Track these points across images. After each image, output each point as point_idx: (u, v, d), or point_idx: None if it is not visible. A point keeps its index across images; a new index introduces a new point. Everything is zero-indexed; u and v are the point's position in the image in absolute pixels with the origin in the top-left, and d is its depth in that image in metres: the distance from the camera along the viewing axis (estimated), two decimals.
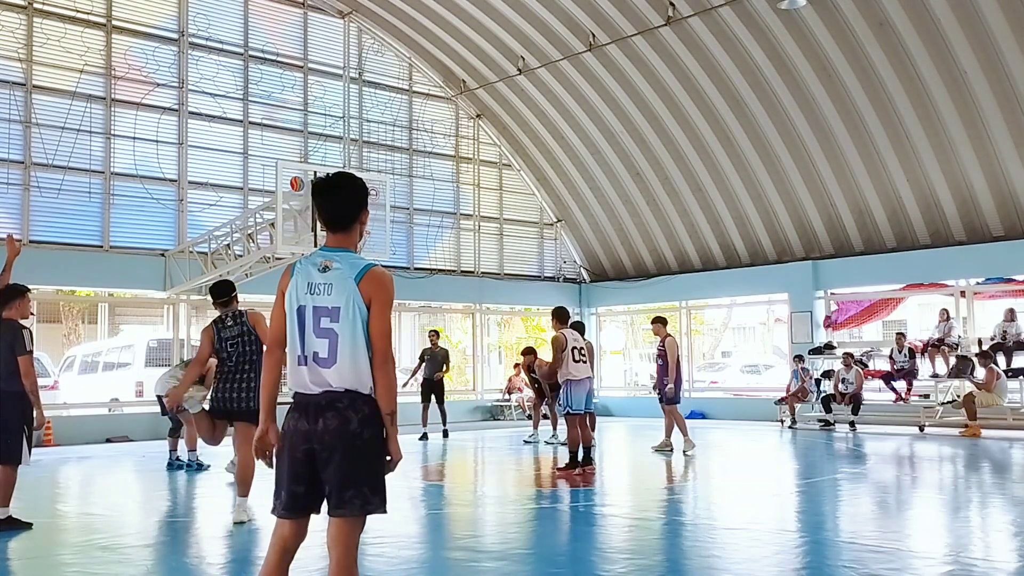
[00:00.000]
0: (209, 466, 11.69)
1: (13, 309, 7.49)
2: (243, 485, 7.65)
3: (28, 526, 7.34)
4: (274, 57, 19.38)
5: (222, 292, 8.03)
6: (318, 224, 15.11)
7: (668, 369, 13.03)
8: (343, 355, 3.71)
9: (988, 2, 14.68)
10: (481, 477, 12.22)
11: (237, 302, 8.09)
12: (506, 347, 25.83)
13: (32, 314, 7.73)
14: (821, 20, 16.21)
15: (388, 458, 3.84)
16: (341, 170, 4.83)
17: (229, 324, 7.87)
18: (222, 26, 18.73)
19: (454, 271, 21.88)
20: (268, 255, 15.90)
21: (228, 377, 7.75)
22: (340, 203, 3.91)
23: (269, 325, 4.10)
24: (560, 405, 11.55)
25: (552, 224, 23.71)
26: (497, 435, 17.59)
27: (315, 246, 15.34)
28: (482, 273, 22.33)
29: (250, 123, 18.91)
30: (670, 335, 13.35)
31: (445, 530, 8.06)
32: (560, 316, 11.51)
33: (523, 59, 19.99)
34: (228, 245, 16.24)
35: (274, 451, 3.91)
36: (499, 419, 21.36)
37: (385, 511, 3.83)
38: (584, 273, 23.96)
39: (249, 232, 16.01)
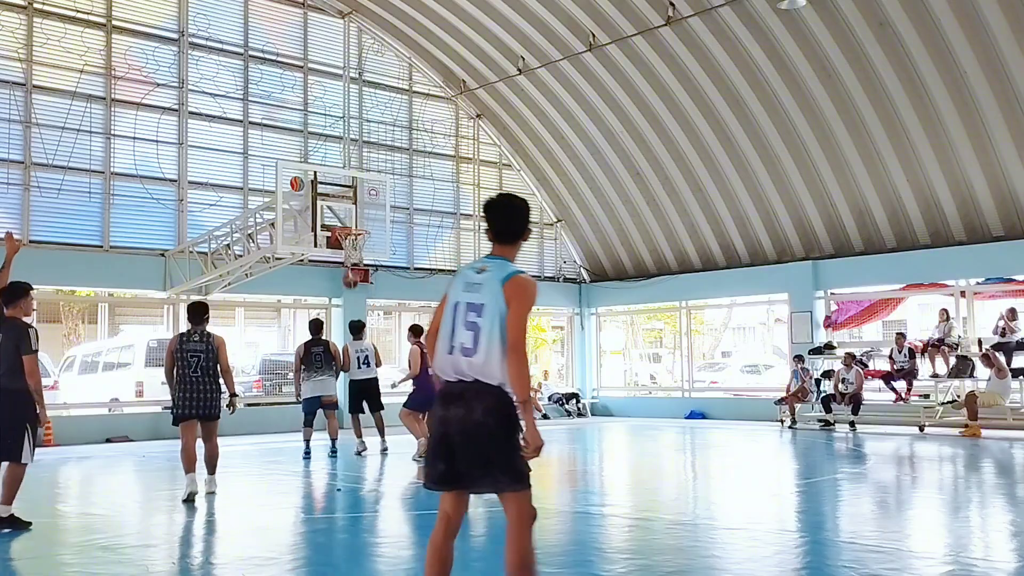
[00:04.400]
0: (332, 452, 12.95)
1: (17, 307, 7.49)
2: (210, 465, 9.30)
3: (28, 526, 7.33)
4: (274, 57, 19.38)
5: (203, 312, 9.18)
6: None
7: None
8: (482, 346, 4.18)
9: (988, 3, 14.68)
10: None
11: (207, 323, 9.23)
12: None
13: (34, 310, 7.82)
14: (821, 20, 16.21)
15: (525, 444, 4.23)
16: (511, 192, 5.32)
17: (195, 339, 8.98)
18: (222, 26, 18.73)
19: (454, 271, 21.83)
20: (268, 255, 15.92)
21: (192, 387, 8.93)
22: (510, 220, 4.51)
23: (434, 316, 4.50)
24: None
25: (552, 224, 23.71)
26: None
27: (315, 246, 15.38)
28: None
29: (250, 123, 18.91)
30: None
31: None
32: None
33: (523, 59, 19.99)
34: (228, 245, 16.26)
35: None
36: None
37: (520, 489, 4.33)
38: (584, 273, 23.96)
39: (249, 232, 16.03)
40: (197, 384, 8.91)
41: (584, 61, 19.39)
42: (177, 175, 17.85)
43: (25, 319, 7.54)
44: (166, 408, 9.49)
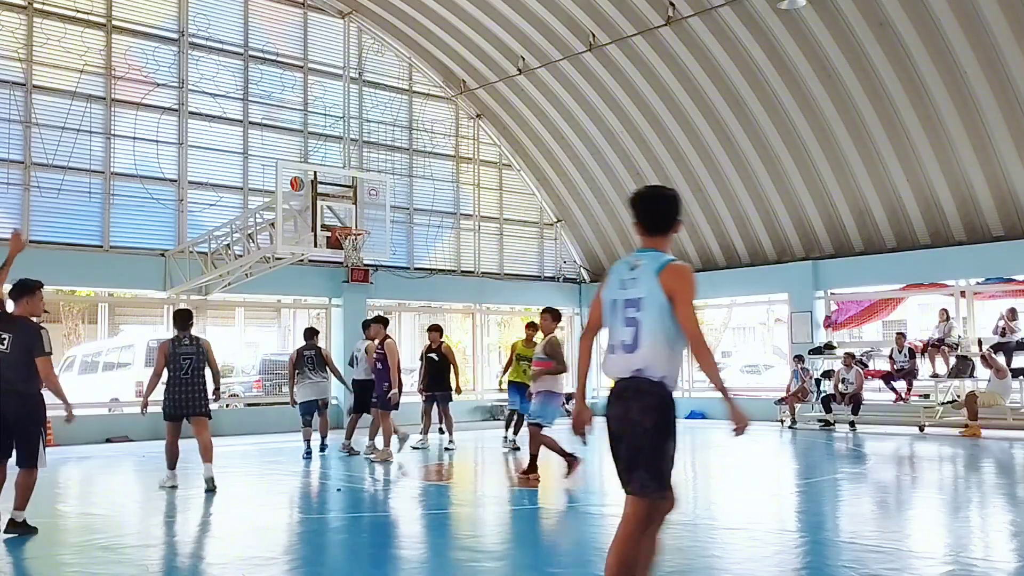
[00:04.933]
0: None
1: (23, 305, 7.21)
2: (206, 455, 9.65)
3: (34, 531, 7.21)
4: (274, 57, 19.38)
5: (188, 318, 9.95)
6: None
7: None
8: (643, 341, 4.14)
9: (988, 3, 14.67)
10: (482, 477, 12.21)
11: (192, 327, 9.94)
12: (506, 347, 25.80)
13: (46, 311, 7.54)
14: (821, 20, 16.20)
15: (733, 425, 4.24)
16: (660, 184, 5.38)
17: (185, 343, 9.68)
18: (222, 26, 18.73)
19: (454, 271, 21.88)
20: (268, 255, 15.93)
21: (183, 387, 9.55)
22: (661, 212, 4.46)
23: (588, 316, 4.52)
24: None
25: (552, 224, 23.71)
26: (497, 435, 17.58)
27: (315, 246, 15.37)
28: (482, 273, 22.33)
29: (250, 123, 18.91)
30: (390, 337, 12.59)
31: (447, 530, 8.06)
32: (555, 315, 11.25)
33: (523, 59, 19.99)
34: (228, 245, 16.27)
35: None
36: (499, 419, 21.34)
37: (662, 497, 4.24)
38: (584, 273, 23.97)
39: (249, 232, 16.03)
40: (187, 385, 9.56)
41: (584, 61, 19.40)
42: (177, 175, 17.85)
43: (34, 319, 7.31)
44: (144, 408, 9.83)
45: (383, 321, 12.75)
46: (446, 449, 13.92)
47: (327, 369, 13.23)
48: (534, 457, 10.08)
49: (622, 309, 4.23)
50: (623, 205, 22.01)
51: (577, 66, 19.63)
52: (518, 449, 13.37)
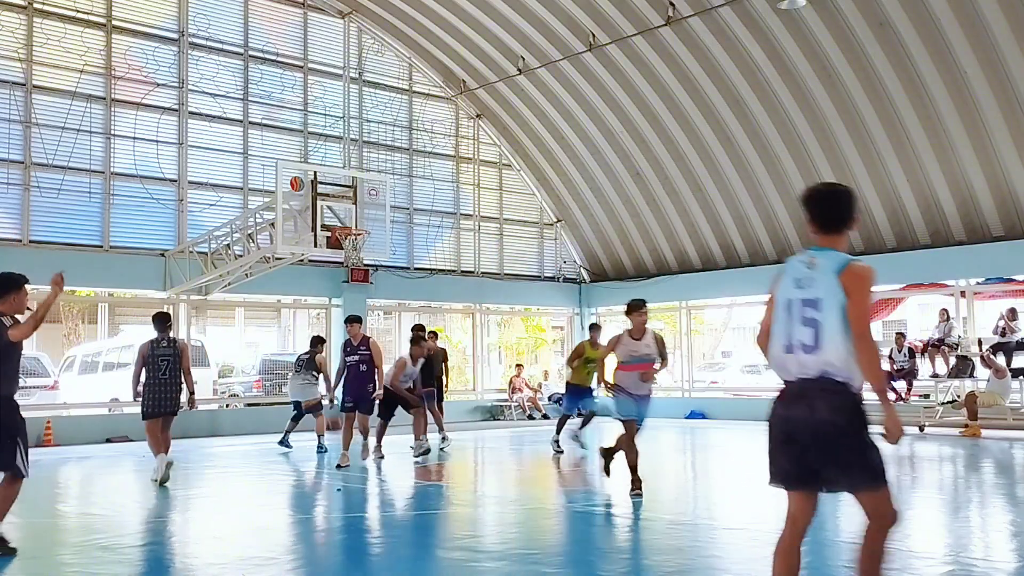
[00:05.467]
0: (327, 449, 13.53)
1: (10, 303, 6.55)
2: (167, 448, 10.08)
3: (12, 552, 6.47)
4: (274, 57, 19.38)
5: (166, 320, 10.44)
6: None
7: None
8: (826, 342, 4.04)
9: (988, 3, 14.67)
10: (481, 477, 12.21)
11: (171, 330, 10.47)
12: (506, 347, 25.84)
13: (29, 309, 6.80)
14: (821, 20, 16.20)
15: (886, 433, 4.12)
16: (833, 181, 5.19)
17: (164, 345, 10.15)
18: (222, 26, 18.73)
19: (454, 271, 21.88)
20: (268, 255, 15.93)
21: (161, 387, 10.04)
22: (836, 209, 4.38)
23: (762, 318, 4.41)
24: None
25: (552, 224, 23.71)
26: (497, 435, 17.59)
27: (315, 246, 15.37)
28: (482, 273, 22.33)
29: (250, 123, 18.91)
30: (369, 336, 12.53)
31: (445, 530, 8.06)
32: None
33: (523, 59, 19.99)
34: (228, 245, 16.27)
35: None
36: (499, 419, 21.37)
37: (877, 487, 4.24)
38: (584, 273, 23.96)
39: (249, 232, 16.03)
40: (164, 385, 10.07)
41: (584, 61, 19.40)
42: (177, 175, 17.85)
43: (17, 316, 6.59)
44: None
45: (357, 320, 12.25)
46: (440, 448, 13.85)
47: (315, 373, 13.97)
48: (634, 468, 8.99)
49: (799, 308, 4.14)
50: (623, 205, 22.02)
51: (577, 66, 19.63)
52: (561, 452, 13.12)
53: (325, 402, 13.87)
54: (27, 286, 6.73)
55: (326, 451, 13.44)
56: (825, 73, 16.99)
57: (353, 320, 12.06)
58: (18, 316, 6.66)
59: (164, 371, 10.04)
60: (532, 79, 20.55)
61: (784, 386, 4.21)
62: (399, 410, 12.64)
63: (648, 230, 22.10)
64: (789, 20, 16.40)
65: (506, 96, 21.54)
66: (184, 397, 10.21)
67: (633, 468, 8.94)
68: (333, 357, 19.41)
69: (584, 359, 12.96)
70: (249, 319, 27.92)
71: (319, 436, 13.79)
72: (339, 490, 10.08)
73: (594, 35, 18.58)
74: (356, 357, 11.66)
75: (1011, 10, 14.63)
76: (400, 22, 20.50)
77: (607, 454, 9.53)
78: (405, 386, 12.46)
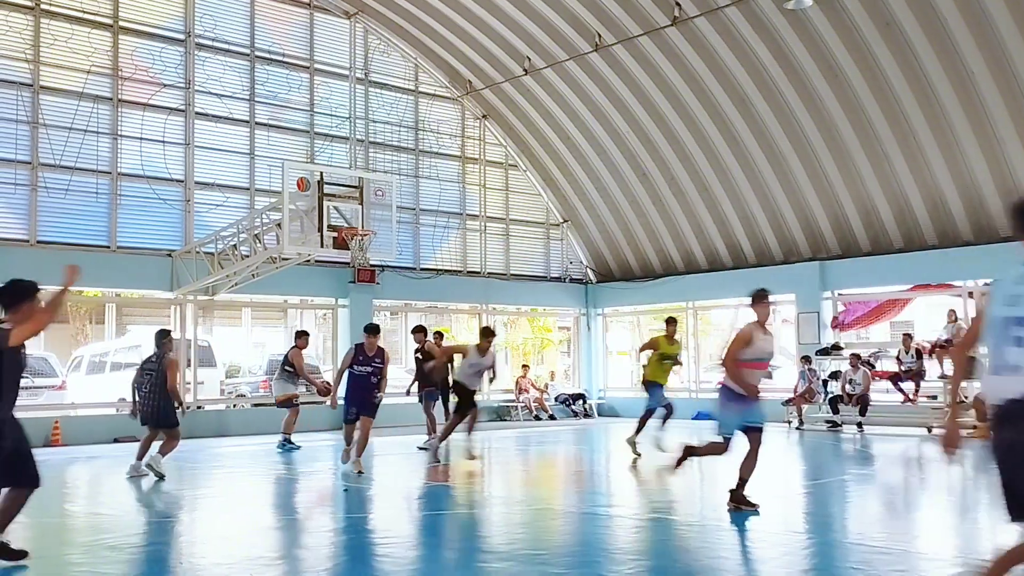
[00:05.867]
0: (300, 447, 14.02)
1: (20, 313, 6.07)
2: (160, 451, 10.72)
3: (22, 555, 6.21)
4: (280, 58, 19.40)
5: (162, 337, 10.91)
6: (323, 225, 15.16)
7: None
8: None
9: (995, 2, 14.62)
10: (487, 478, 12.21)
11: (167, 346, 10.88)
12: (512, 348, 25.81)
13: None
14: (827, 20, 16.16)
15: None
16: None
17: (152, 361, 10.78)
18: (228, 27, 18.76)
19: (460, 271, 21.87)
20: (274, 255, 15.94)
21: (144, 400, 10.73)
22: None
23: (970, 327, 4.27)
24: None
25: (558, 224, 23.69)
26: (504, 436, 17.58)
27: (321, 246, 15.38)
28: (488, 274, 22.32)
29: (256, 123, 18.93)
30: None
31: (451, 531, 8.05)
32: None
33: (529, 60, 19.98)
34: (235, 246, 16.28)
35: None
36: (506, 419, 21.36)
37: None
38: (590, 273, 23.94)
39: (255, 232, 16.05)
40: (145, 399, 10.71)
41: (590, 61, 19.38)
42: (184, 176, 17.88)
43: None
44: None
45: (377, 330, 11.32)
46: (419, 448, 13.72)
47: (288, 368, 14.53)
48: (744, 482, 8.08)
49: (1008, 327, 3.87)
50: (629, 205, 21.99)
51: (583, 66, 19.62)
52: (639, 456, 12.35)
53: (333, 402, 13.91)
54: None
55: (296, 448, 13.81)
56: (831, 73, 16.95)
57: (373, 331, 11.25)
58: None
59: (146, 385, 10.66)
60: (538, 79, 20.55)
61: (995, 409, 3.94)
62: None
63: (654, 231, 22.07)
64: (795, 20, 16.37)
65: (512, 96, 21.53)
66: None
67: (743, 481, 8.01)
68: (335, 359, 19.46)
69: (659, 354, 12.43)
70: (256, 319, 27.93)
71: (285, 433, 14.12)
72: (346, 490, 10.08)
73: (600, 35, 18.56)
74: (368, 368, 10.94)
75: (1018, 9, 14.57)
76: (406, 23, 20.50)
77: (687, 454, 8.58)
78: (474, 371, 12.65)
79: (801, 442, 15.49)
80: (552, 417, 21.50)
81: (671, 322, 12.74)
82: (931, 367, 17.03)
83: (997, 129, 16.01)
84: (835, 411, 17.27)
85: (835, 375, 18.14)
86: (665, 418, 12.80)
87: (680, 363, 13.22)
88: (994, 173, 16.58)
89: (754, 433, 7.95)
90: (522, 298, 23.25)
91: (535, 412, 21.57)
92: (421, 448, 13.71)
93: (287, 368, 14.58)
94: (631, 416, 21.89)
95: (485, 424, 20.53)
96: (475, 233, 22.28)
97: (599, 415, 22.74)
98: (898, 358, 17.33)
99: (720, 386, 8.05)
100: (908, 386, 16.98)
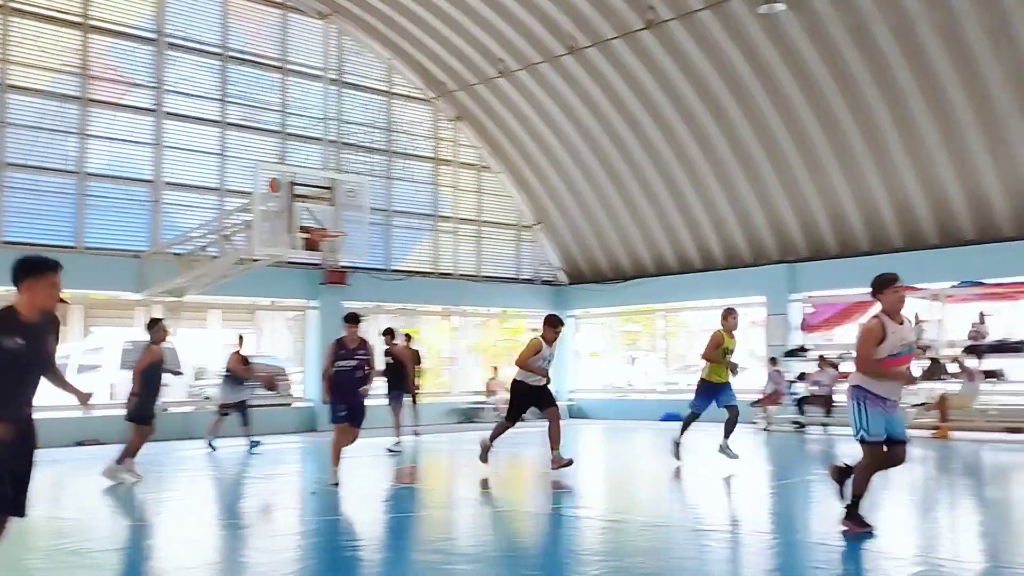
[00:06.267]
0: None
1: (31, 291, 4.97)
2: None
3: None
4: (253, 58, 19.30)
5: (155, 323, 11.14)
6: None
7: None
8: None
9: (963, 6, 14.82)
10: (455, 480, 12.20)
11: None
12: (484, 350, 25.79)
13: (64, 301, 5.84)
14: (799, 24, 16.32)
15: None
16: None
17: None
18: (200, 26, 18.63)
19: (431, 273, 21.84)
20: (245, 257, 15.85)
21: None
22: None
23: None
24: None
25: (530, 227, 23.72)
26: (473, 437, 17.57)
27: (292, 248, 15.32)
28: (460, 275, 22.31)
29: (228, 124, 18.81)
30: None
31: (419, 533, 8.05)
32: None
33: (503, 62, 20.00)
34: (204, 247, 16.17)
35: None
36: (475, 421, 21.35)
37: None
38: (562, 275, 23.98)
39: (226, 234, 15.95)
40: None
41: (564, 64, 19.43)
42: (153, 176, 17.73)
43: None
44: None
45: (357, 320, 10.69)
46: (388, 450, 13.62)
47: (229, 374, 14.86)
48: (859, 499, 7.01)
49: None
50: (601, 208, 22.08)
51: (557, 69, 19.67)
52: (680, 459, 11.73)
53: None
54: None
55: (214, 450, 14.15)
56: (803, 77, 17.12)
57: (353, 320, 10.54)
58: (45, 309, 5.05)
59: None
60: (512, 82, 20.57)
61: None
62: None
63: (626, 233, 22.16)
64: (768, 25, 16.50)
65: (486, 99, 21.55)
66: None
67: (857, 498, 6.99)
68: (306, 361, 19.39)
69: (723, 350, 11.43)
70: (227, 321, 27.72)
71: (210, 435, 14.39)
72: (313, 493, 10.03)
73: (574, 38, 18.62)
74: (353, 362, 10.17)
75: (985, 11, 14.76)
76: (380, 24, 20.45)
77: (842, 475, 7.23)
78: (537, 365, 10.94)
79: (768, 443, 15.61)
80: (522, 419, 21.48)
81: (731, 314, 11.64)
82: None
83: (963, 134, 16.25)
84: (802, 412, 17.43)
85: (802, 376, 18.31)
86: (688, 422, 11.91)
87: (734, 363, 11.75)
88: (960, 177, 16.83)
89: (898, 446, 6.85)
90: (493, 300, 23.25)
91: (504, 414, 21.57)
92: (391, 451, 13.68)
93: (227, 373, 14.73)
94: (601, 418, 22.03)
95: (452, 425, 20.54)
96: (447, 235, 22.27)
97: (570, 417, 22.77)
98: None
99: (855, 388, 6.84)
100: None
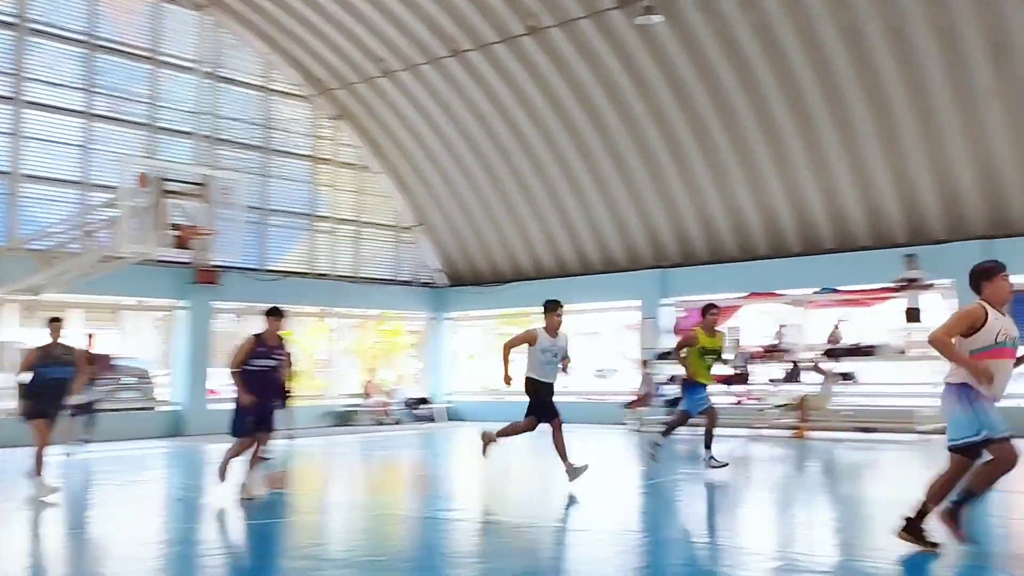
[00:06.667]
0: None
1: None
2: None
3: None
4: (121, 47, 18.54)
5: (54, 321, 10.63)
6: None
7: None
8: None
9: (826, 28, 15.59)
10: (327, 484, 12.05)
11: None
12: (361, 352, 25.52)
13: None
14: (674, 36, 16.82)
15: None
16: None
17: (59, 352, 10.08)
18: (65, 12, 17.77)
19: (308, 273, 21.47)
20: (109, 254, 15.19)
21: (54, 391, 9.87)
22: None
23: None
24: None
25: (410, 228, 23.62)
26: (348, 441, 17.39)
27: (161, 246, 14.76)
28: (337, 276, 22.01)
29: (93, 115, 18.00)
30: None
31: (288, 539, 7.91)
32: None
33: (384, 61, 19.85)
34: (65, 243, 15.44)
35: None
36: (350, 424, 21.13)
37: None
38: (441, 277, 23.96)
39: (89, 230, 15.27)
40: None
41: (446, 66, 19.44)
42: (11, 168, 16.81)
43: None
44: None
45: (280, 314, 9.60)
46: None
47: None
48: (925, 514, 6.19)
49: None
50: (481, 210, 22.19)
51: (439, 71, 19.65)
52: (657, 449, 11.38)
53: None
54: None
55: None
56: (677, 87, 17.65)
57: (276, 314, 9.39)
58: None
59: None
60: (394, 82, 20.44)
61: None
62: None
63: (505, 236, 22.35)
64: (645, 35, 16.94)
65: (367, 98, 21.34)
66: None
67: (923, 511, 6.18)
68: (172, 364, 18.76)
69: (699, 348, 11.01)
70: (90, 321, 26.54)
71: (66, 439, 13.24)
72: (179, 500, 9.73)
73: (457, 41, 18.65)
74: (271, 362, 9.14)
75: (883, 13, 15.52)
76: (259, 18, 19.98)
77: (960, 505, 6.15)
78: (548, 358, 9.99)
79: (640, 444, 15.99)
80: (397, 422, 21.40)
81: (712, 309, 11.34)
82: (760, 371, 17.98)
83: (824, 149, 17.12)
84: (671, 413, 17.95)
85: (672, 379, 18.84)
86: (675, 426, 11.49)
87: (725, 360, 11.58)
88: (821, 190, 17.72)
89: (1003, 444, 5.96)
90: (371, 301, 23.02)
91: (378, 417, 21.44)
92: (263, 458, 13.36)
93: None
94: (477, 419, 22.09)
95: (327, 428, 20.24)
96: (325, 235, 21.94)
97: (448, 419, 22.79)
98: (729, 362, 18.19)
99: (961, 387, 6.02)
100: (738, 388, 17.88)
